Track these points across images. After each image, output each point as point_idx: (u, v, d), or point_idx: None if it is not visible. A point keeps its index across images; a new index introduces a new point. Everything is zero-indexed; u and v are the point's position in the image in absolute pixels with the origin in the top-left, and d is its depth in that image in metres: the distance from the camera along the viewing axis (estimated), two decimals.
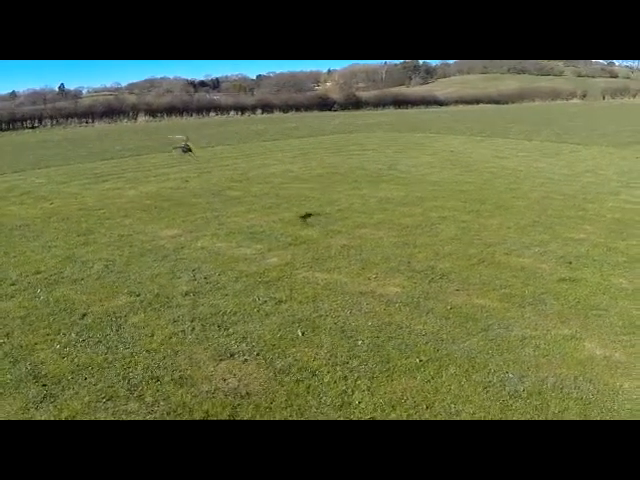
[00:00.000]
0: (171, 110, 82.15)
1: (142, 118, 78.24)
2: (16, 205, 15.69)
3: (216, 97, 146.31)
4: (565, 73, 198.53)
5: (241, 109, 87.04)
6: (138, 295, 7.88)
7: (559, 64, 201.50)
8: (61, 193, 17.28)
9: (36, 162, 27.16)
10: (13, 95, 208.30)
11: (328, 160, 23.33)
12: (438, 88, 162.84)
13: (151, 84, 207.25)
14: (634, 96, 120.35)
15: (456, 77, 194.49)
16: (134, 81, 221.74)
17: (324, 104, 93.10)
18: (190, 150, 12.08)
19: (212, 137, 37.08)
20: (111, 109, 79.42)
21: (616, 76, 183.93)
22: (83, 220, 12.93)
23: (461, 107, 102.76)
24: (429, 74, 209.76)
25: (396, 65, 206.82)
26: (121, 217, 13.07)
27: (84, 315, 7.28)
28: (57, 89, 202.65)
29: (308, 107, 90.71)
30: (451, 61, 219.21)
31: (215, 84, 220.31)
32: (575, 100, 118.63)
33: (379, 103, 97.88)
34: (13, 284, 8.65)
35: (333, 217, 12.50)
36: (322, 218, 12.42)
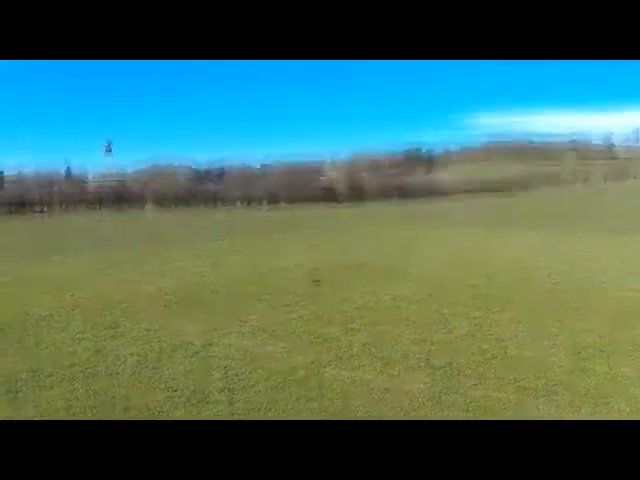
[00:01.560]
0: (178, 200, 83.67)
1: (149, 207, 79.84)
2: (36, 294, 16.34)
3: (220, 187, 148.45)
4: (566, 157, 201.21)
5: (247, 200, 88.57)
6: (175, 390, 8.37)
7: (560, 147, 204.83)
8: (79, 284, 17.95)
9: (51, 249, 27.98)
10: (20, 177, 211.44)
11: (338, 256, 24.14)
12: (440, 177, 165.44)
13: (157, 172, 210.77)
14: (635, 177, 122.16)
15: (459, 165, 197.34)
16: (139, 168, 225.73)
17: (330, 196, 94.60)
18: None
19: (221, 230, 37.99)
20: (119, 197, 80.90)
21: (616, 158, 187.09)
22: (107, 313, 13.51)
23: (465, 196, 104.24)
24: (431, 162, 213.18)
25: (399, 154, 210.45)
26: (144, 311, 13.63)
27: (126, 409, 7.78)
28: (63, 172, 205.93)
29: (314, 199, 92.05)
30: (453, 149, 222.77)
31: (220, 173, 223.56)
32: (577, 184, 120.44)
33: (384, 194, 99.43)
34: (50, 375, 9.14)
35: (350, 315, 13.07)
36: (340, 315, 13.02)
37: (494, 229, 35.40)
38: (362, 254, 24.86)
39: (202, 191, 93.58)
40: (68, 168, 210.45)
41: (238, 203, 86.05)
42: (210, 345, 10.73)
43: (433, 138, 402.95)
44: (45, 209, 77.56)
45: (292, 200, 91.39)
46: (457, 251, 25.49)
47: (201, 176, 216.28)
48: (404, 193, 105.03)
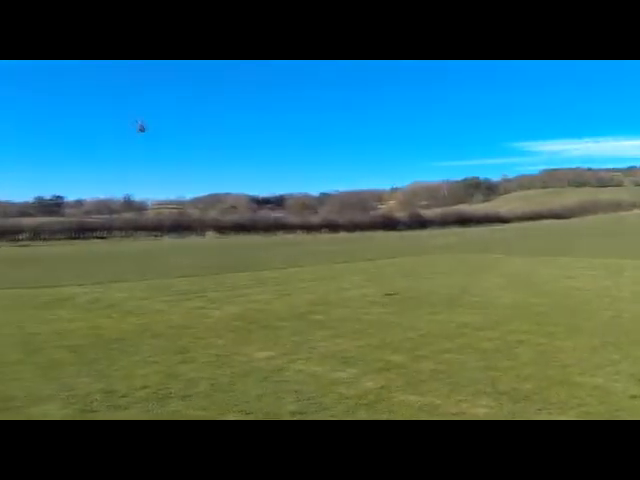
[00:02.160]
0: (238, 227, 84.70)
1: (210, 234, 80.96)
2: (104, 318, 16.83)
3: (279, 215, 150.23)
4: (624, 183, 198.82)
5: (307, 228, 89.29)
6: (249, 413, 8.52)
7: (619, 174, 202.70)
8: (146, 309, 18.41)
9: (114, 275, 28.65)
10: (79, 203, 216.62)
11: (401, 284, 24.15)
12: (500, 204, 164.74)
13: (215, 199, 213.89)
14: None
15: (517, 193, 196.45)
16: (198, 195, 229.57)
17: (389, 223, 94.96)
18: None
19: (284, 258, 38.37)
20: (179, 224, 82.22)
21: None
22: (176, 338, 13.85)
23: (524, 224, 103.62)
24: (491, 190, 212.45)
25: (457, 182, 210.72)
26: (213, 337, 13.89)
27: None
28: (122, 199, 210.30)
29: (373, 227, 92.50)
30: (511, 176, 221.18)
31: (279, 201, 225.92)
32: (636, 210, 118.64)
33: (443, 222, 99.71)
34: (124, 396, 9.42)
35: (417, 342, 13.18)
36: (406, 343, 13.12)
37: (556, 257, 35.14)
38: (424, 282, 24.89)
39: (262, 218, 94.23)
40: (127, 195, 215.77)
41: (298, 231, 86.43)
42: (280, 370, 10.88)
43: (491, 165, 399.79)
44: (105, 235, 78.81)
45: (351, 229, 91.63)
46: (519, 278, 25.41)
47: (260, 203, 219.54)
48: (463, 220, 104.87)
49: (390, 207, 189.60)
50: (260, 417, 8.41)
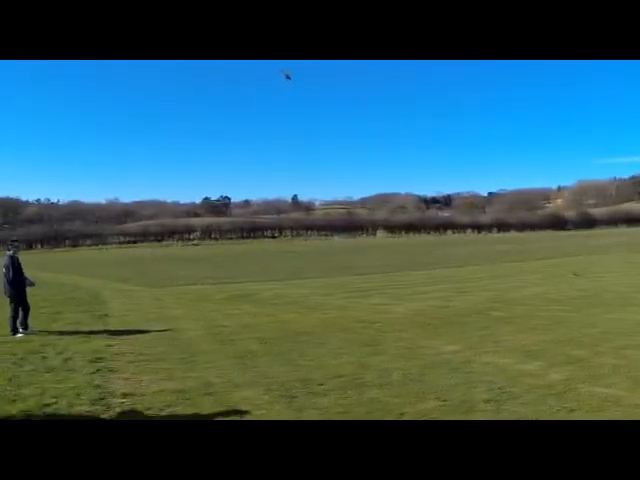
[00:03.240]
0: (408, 227, 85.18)
1: (380, 234, 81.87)
2: (289, 313, 17.79)
3: (447, 214, 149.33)
4: None
5: (477, 227, 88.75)
6: (445, 400, 8.88)
7: None
8: (328, 305, 19.26)
9: (291, 273, 29.83)
10: (247, 203, 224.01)
11: (576, 283, 23.97)
12: None
13: (383, 199, 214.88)
14: None
15: None
16: (366, 195, 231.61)
17: (557, 223, 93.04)
18: None
19: (456, 257, 38.52)
20: (349, 224, 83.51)
21: None
22: (363, 332, 14.46)
23: None
24: None
25: (625, 180, 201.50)
26: (398, 331, 14.39)
27: (401, 414, 8.39)
28: (290, 200, 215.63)
29: (542, 226, 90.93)
30: None
31: (447, 201, 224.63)
32: None
33: (611, 221, 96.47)
34: (321, 384, 10.00)
35: (596, 338, 13.19)
36: (587, 339, 13.17)
37: None
38: (597, 281, 24.66)
39: (432, 218, 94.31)
40: (295, 196, 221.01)
41: (469, 230, 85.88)
42: (469, 362, 11.17)
43: None
44: (276, 234, 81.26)
45: (521, 228, 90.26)
46: None
47: (428, 203, 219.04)
48: (631, 220, 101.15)
49: (557, 206, 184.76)
50: (455, 403, 8.77)
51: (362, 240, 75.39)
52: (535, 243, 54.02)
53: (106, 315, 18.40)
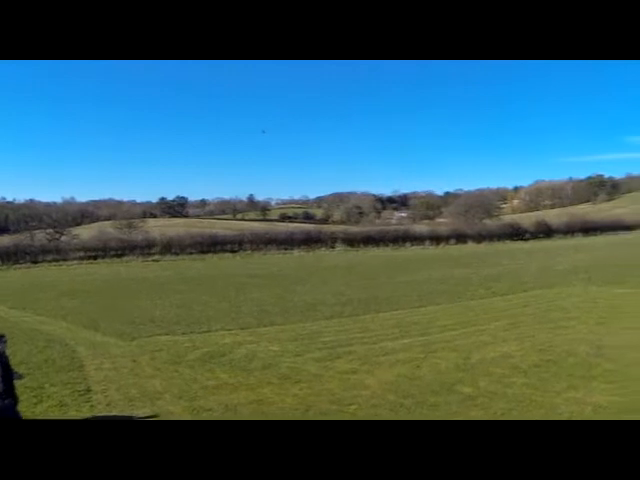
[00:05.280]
0: (367, 240, 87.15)
1: (339, 247, 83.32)
2: (264, 386, 18.72)
3: (404, 214, 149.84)
4: None
5: (435, 239, 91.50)
6: None
7: None
8: (302, 372, 20.08)
9: (257, 315, 30.39)
10: (203, 202, 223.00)
11: (539, 339, 23.82)
12: (624, 204, 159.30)
13: (339, 198, 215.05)
14: None
15: None
16: (322, 195, 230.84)
17: (515, 232, 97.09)
18: None
19: (417, 290, 39.34)
20: (308, 237, 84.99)
21: None
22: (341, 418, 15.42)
23: None
24: (614, 189, 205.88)
25: (581, 181, 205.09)
26: (374, 416, 15.07)
27: None
28: (246, 199, 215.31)
29: (500, 236, 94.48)
30: (635, 173, 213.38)
31: (403, 201, 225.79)
32: None
33: (568, 230, 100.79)
34: None
35: None
36: None
37: None
38: (562, 335, 24.95)
39: (389, 231, 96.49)
40: (251, 195, 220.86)
41: (427, 242, 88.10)
42: None
43: (613, 161, 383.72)
44: (236, 248, 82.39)
45: (479, 239, 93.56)
46: None
47: (384, 202, 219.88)
48: (588, 229, 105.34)
49: (513, 206, 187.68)
50: None
51: (321, 255, 76.48)
52: (493, 265, 54.82)
53: (88, 390, 18.42)
